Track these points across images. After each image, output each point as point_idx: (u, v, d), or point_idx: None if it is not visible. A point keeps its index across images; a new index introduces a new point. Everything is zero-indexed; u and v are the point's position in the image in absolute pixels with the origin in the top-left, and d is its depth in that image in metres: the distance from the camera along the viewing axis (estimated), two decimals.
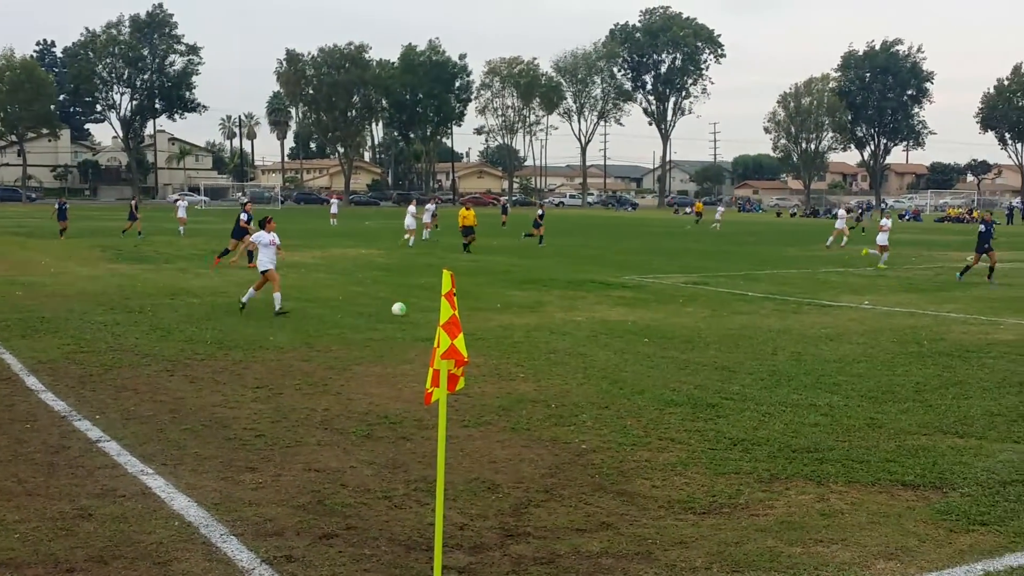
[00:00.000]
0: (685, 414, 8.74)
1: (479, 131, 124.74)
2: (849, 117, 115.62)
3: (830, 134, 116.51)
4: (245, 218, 24.28)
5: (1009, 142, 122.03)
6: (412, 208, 35.80)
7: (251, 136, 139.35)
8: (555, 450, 7.59)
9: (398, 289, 19.36)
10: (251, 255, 23.80)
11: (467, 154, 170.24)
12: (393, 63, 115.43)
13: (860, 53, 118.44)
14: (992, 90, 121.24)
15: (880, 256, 28.53)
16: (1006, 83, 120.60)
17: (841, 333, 13.94)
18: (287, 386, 9.83)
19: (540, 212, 38.31)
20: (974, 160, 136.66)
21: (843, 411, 8.89)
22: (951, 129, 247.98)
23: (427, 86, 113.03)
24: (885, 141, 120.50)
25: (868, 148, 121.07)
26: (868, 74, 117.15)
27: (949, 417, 8.71)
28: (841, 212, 41.17)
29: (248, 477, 6.80)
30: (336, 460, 7.24)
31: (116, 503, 6.20)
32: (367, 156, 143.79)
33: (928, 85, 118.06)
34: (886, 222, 30.51)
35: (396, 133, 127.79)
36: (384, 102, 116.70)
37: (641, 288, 20.33)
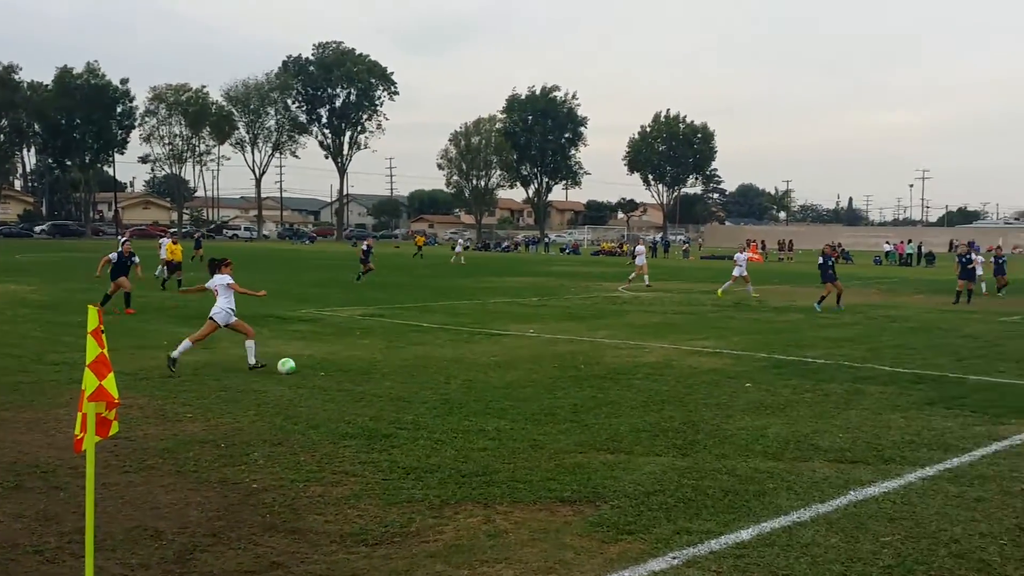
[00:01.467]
0: (360, 446, 8.79)
1: (144, 160, 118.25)
2: (514, 156, 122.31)
3: (498, 172, 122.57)
4: (114, 257, 21.56)
5: (652, 183, 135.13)
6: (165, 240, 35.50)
7: None
8: (224, 491, 7.34)
9: (52, 328, 17.84)
10: (129, 298, 21.06)
11: (131, 184, 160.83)
12: (47, 85, 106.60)
13: (523, 97, 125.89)
14: (636, 136, 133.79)
15: (746, 286, 30.49)
16: (648, 129, 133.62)
17: (509, 360, 14.66)
18: None
19: (365, 247, 36.65)
20: (623, 199, 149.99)
21: (509, 435, 9.35)
22: (604, 170, 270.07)
23: (85, 111, 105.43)
24: (547, 180, 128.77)
25: (532, 186, 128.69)
26: (530, 116, 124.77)
27: (602, 435, 9.43)
28: (640, 248, 37.40)
29: None
30: None
31: None
32: (18, 184, 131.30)
33: (583, 129, 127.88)
34: (740, 256, 31.94)
35: (51, 160, 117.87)
36: (36, 127, 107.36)
37: (318, 321, 20.19)
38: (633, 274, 35.87)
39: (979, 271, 30.83)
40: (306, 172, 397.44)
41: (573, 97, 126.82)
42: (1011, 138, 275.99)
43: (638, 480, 7.74)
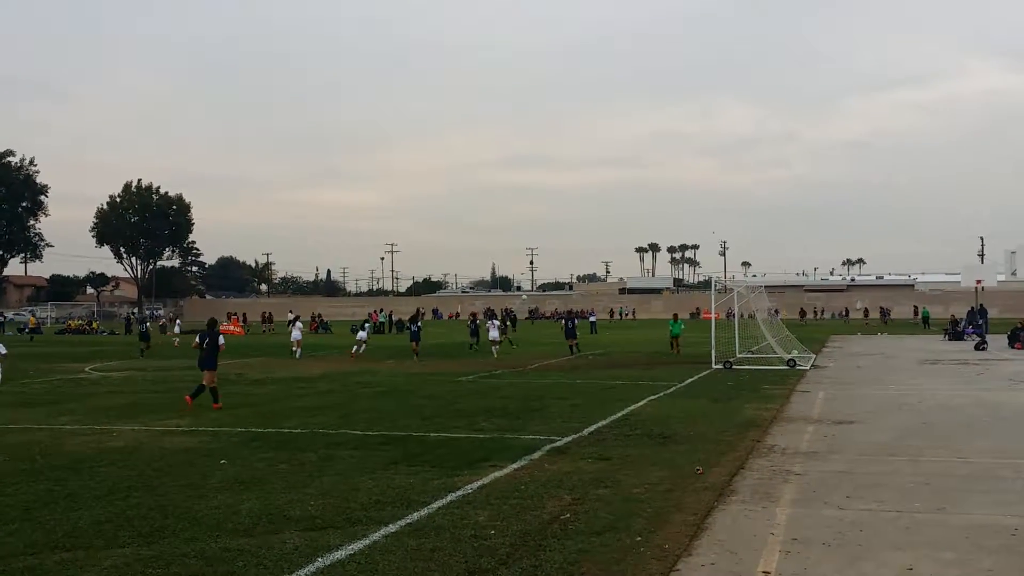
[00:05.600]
0: None
1: None
2: None
3: None
4: None
5: (124, 255, 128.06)
6: None
7: None
8: None
9: None
10: None
11: None
12: None
13: None
14: (105, 206, 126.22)
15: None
16: (118, 199, 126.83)
17: None
18: None
19: None
20: (92, 272, 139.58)
21: None
22: (71, 243, 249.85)
23: None
24: (2, 253, 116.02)
25: None
26: None
27: (58, 532, 8.61)
28: (300, 324, 39.83)
29: None
30: None
31: None
32: None
33: (43, 198, 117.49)
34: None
35: None
36: None
37: None
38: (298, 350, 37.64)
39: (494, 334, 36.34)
40: None
41: (31, 163, 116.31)
42: (461, 218, 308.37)
43: None
